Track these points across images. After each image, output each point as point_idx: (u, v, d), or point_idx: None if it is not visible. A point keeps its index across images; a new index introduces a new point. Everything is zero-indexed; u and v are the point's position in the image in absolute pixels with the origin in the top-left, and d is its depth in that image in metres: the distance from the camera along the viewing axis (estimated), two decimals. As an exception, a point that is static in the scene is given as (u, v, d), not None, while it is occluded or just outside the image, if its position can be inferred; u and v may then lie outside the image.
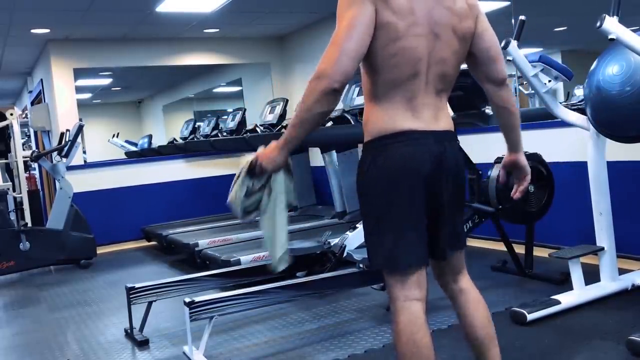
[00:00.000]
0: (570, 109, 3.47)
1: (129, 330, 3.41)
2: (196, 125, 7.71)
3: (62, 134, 5.97)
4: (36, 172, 8.85)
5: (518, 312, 2.96)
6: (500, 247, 4.03)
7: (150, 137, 8.60)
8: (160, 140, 8.93)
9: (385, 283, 1.69)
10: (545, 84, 3.27)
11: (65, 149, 5.68)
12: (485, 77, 1.77)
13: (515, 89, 7.20)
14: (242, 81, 8.53)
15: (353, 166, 3.77)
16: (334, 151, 5.63)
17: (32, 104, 8.48)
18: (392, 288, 1.65)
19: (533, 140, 3.97)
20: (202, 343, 2.87)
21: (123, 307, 3.57)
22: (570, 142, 3.98)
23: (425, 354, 1.59)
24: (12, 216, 7.21)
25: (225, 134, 6.62)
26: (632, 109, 2.81)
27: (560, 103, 3.88)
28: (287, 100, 5.76)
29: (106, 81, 9.52)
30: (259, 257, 4.26)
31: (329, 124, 5.10)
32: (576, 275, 3.14)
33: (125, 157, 8.72)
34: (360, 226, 3.62)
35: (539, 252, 3.97)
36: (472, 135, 4.80)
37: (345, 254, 3.64)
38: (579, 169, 3.51)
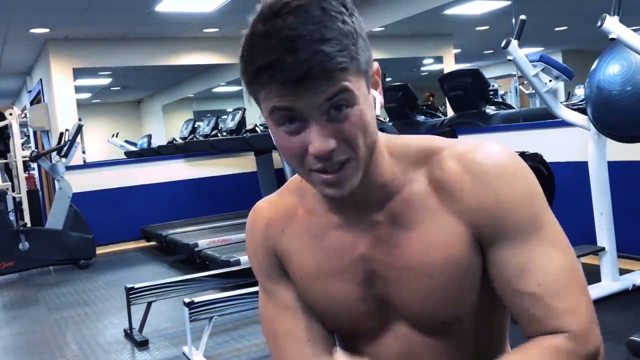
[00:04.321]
0: (571, 109, 3.46)
1: (128, 331, 3.40)
2: (196, 125, 7.71)
3: (61, 134, 5.96)
4: (35, 172, 8.84)
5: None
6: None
7: (149, 137, 8.59)
8: (159, 140, 8.92)
9: None
10: (546, 83, 3.26)
11: (65, 148, 5.67)
12: None
13: (516, 88, 7.22)
14: (241, 81, 8.51)
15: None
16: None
17: (32, 103, 8.47)
18: None
19: (534, 140, 3.96)
20: (201, 343, 2.86)
21: (122, 308, 3.56)
22: (571, 142, 3.97)
23: None
24: (12, 216, 7.20)
25: (225, 133, 6.62)
26: (632, 109, 2.80)
27: (561, 103, 3.88)
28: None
29: (105, 81, 9.51)
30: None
31: None
32: (577, 275, 3.13)
33: (125, 157, 8.72)
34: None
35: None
36: (472, 136, 4.79)
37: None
38: (580, 169, 3.50)
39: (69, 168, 5.86)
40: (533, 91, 4.39)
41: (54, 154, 5.87)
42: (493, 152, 0.81)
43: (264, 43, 0.71)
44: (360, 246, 0.86)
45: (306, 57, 0.69)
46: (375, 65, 0.80)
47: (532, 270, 0.80)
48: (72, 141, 5.67)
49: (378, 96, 0.80)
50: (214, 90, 10.06)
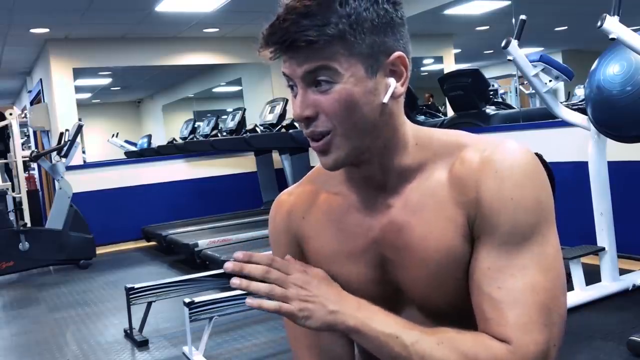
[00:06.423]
0: (571, 109, 3.46)
1: (128, 331, 3.39)
2: (196, 125, 7.71)
3: (61, 134, 5.95)
4: (35, 172, 8.84)
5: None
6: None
7: (149, 137, 8.60)
8: (159, 140, 8.93)
9: None
10: (546, 83, 3.26)
11: (65, 148, 5.67)
12: None
13: (516, 88, 7.22)
14: (241, 81, 8.52)
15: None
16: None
17: (32, 103, 8.47)
18: None
19: (534, 140, 3.95)
20: (201, 343, 2.86)
21: (122, 308, 3.56)
22: (571, 142, 3.97)
23: None
24: (12, 216, 7.20)
25: (225, 133, 6.62)
26: (632, 109, 2.80)
27: (561, 103, 3.88)
28: (287, 100, 5.75)
29: (106, 81, 9.52)
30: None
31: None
32: (577, 275, 3.13)
33: (125, 157, 8.72)
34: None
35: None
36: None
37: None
38: (580, 169, 3.50)
39: (69, 168, 5.86)
40: (533, 91, 4.39)
41: (54, 154, 5.87)
42: (513, 152, 0.82)
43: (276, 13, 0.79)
44: (375, 230, 0.89)
45: (286, 25, 0.76)
46: (396, 54, 0.80)
47: (501, 273, 0.79)
48: (72, 141, 5.67)
49: (393, 84, 0.80)
50: (214, 90, 10.06)
